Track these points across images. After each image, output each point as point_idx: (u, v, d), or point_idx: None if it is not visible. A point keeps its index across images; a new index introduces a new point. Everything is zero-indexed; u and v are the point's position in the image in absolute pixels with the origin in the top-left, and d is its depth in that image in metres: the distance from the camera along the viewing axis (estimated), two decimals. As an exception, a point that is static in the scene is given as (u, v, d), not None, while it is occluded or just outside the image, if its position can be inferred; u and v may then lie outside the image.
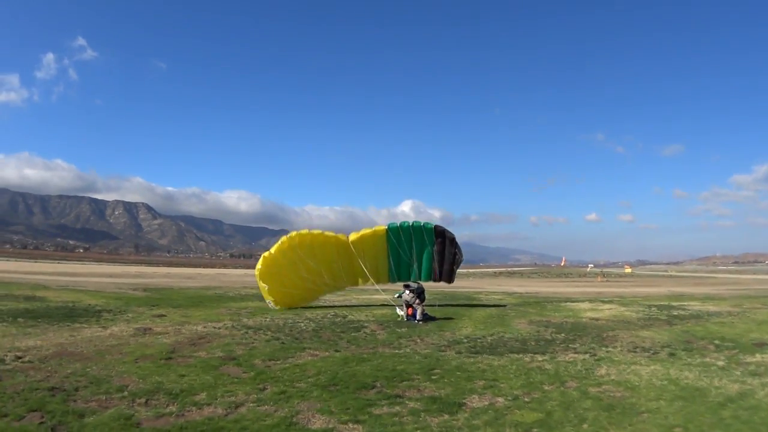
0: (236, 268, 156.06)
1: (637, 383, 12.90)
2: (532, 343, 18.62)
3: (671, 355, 16.68)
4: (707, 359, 16.04)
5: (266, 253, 29.18)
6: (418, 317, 24.39)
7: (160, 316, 23.62)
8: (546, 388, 12.40)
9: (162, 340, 17.22)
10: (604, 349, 17.59)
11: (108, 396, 10.93)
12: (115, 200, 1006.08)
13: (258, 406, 10.60)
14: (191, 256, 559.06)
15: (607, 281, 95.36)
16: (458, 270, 31.84)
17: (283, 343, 17.61)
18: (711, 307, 32.36)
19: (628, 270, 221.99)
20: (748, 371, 14.43)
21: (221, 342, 17.29)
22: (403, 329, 21.77)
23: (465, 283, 78.97)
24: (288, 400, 10.96)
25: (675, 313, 28.86)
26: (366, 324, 22.84)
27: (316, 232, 30.31)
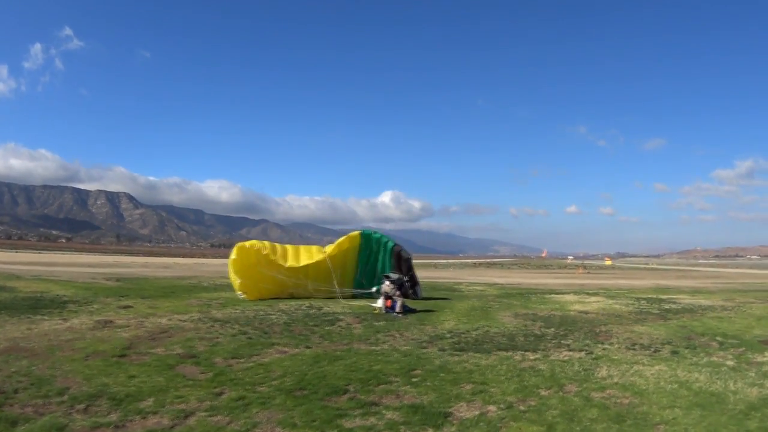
0: (215, 257, 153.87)
1: (644, 387, 11.41)
2: (521, 339, 17.10)
3: (674, 353, 15.29)
4: (714, 358, 14.69)
5: (242, 244, 27.89)
6: (397, 309, 22.87)
7: (126, 307, 22.13)
8: (543, 393, 10.80)
9: (120, 335, 15.70)
10: (600, 346, 16.14)
11: (46, 400, 9.38)
12: (98, 190, 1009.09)
13: (210, 416, 8.91)
14: (172, 245, 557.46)
15: (588, 273, 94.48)
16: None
17: (249, 338, 16.00)
18: (702, 301, 31.51)
19: (608, 262, 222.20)
20: (762, 372, 13.06)
21: (183, 336, 15.74)
22: (381, 323, 20.14)
23: (445, 273, 78.13)
24: (246, 409, 9.28)
25: (666, 306, 27.79)
26: (342, 317, 21.26)
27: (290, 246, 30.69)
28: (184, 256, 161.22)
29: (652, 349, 15.74)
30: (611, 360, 14.13)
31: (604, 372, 12.71)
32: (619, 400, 10.42)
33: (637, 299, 31.93)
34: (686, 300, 32.09)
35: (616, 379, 12.04)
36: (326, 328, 18.48)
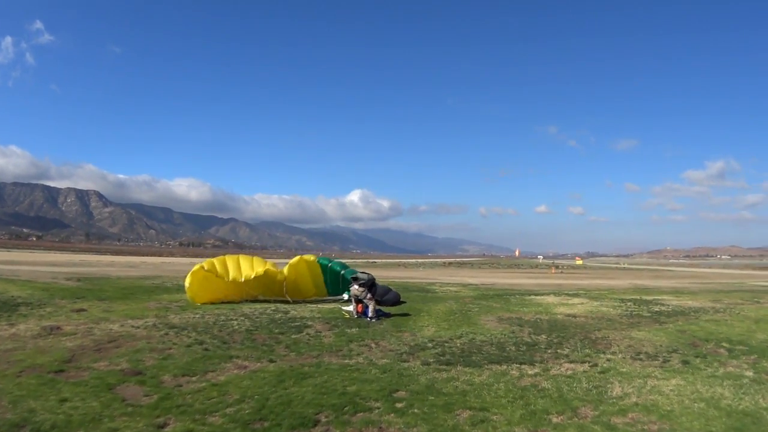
0: (183, 256, 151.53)
1: (668, 408, 9.79)
2: (512, 349, 15.32)
3: (685, 363, 13.73)
4: (730, 369, 13.18)
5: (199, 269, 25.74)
6: (369, 314, 20.96)
7: (80, 310, 20.40)
8: (555, 420, 9.05)
9: (65, 344, 13.94)
10: (602, 356, 14.49)
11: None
12: (68, 188, 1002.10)
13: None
14: (141, 244, 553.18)
15: (561, 273, 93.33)
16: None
17: (206, 349, 14.09)
18: (690, 302, 30.04)
19: (579, 261, 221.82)
20: (788, 384, 11.52)
21: (132, 347, 13.88)
22: (353, 329, 18.19)
23: (416, 273, 76.05)
24: (191, 448, 7.46)
25: (656, 308, 26.21)
26: (310, 322, 19.30)
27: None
28: (151, 255, 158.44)
29: (661, 359, 14.18)
30: (620, 374, 12.47)
31: (617, 389, 11.04)
32: (646, 427, 8.80)
33: (622, 301, 30.42)
34: (673, 301, 30.59)
35: (634, 398, 10.38)
36: (293, 336, 16.58)
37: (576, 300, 30.46)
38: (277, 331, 17.29)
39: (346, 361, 13.28)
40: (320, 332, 17.42)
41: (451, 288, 42.19)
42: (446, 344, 15.88)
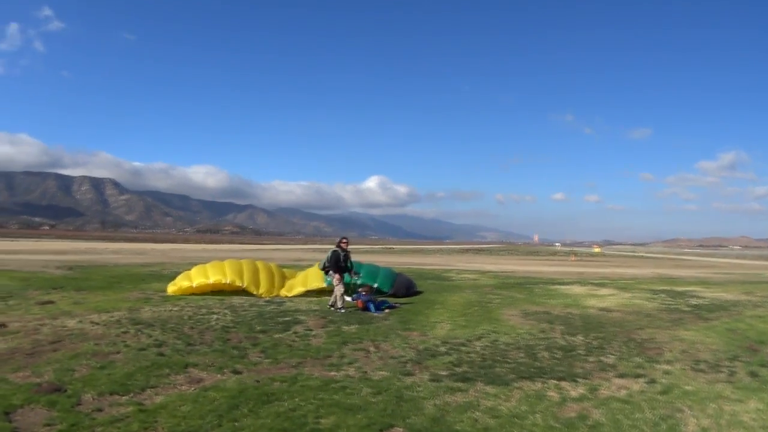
0: (198, 243, 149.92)
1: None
2: (545, 355, 12.32)
3: (753, 376, 10.94)
4: (810, 382, 10.43)
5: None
6: (339, 305, 18.43)
7: (47, 303, 18.34)
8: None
9: (-2, 346, 11.55)
10: (656, 366, 11.57)
11: None
12: (82, 176, 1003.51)
13: None
14: (158, 231, 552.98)
15: (580, 261, 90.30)
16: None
17: (161, 353, 11.43)
18: (723, 294, 27.01)
19: (597, 249, 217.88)
20: None
21: (72, 350, 11.46)
22: (351, 327, 15.30)
23: (432, 259, 73.37)
24: None
25: (693, 302, 23.26)
26: (302, 317, 16.61)
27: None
28: (165, 241, 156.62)
29: (725, 371, 11.34)
30: (687, 394, 9.58)
31: (692, 423, 8.18)
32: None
33: (653, 292, 27.44)
34: (706, 293, 27.55)
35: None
36: (276, 335, 13.83)
37: (605, 291, 27.57)
38: (259, 328, 14.65)
39: (332, 373, 10.34)
40: (310, 330, 14.67)
41: (468, 275, 39.14)
42: (463, 348, 12.98)
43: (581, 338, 14.51)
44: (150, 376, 9.76)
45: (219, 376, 9.93)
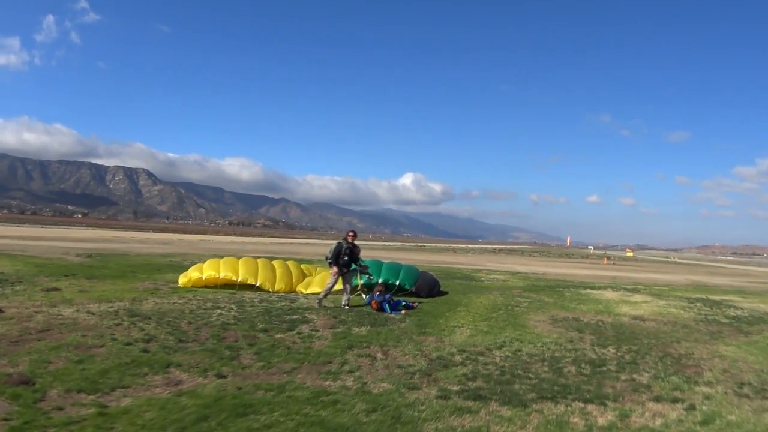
0: (227, 235, 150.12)
1: None
2: (572, 371, 10.93)
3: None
4: None
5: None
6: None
7: (53, 289, 17.80)
8: None
9: (-12, 331, 10.86)
10: (694, 388, 10.19)
11: None
12: (116, 166, 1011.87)
13: None
14: (190, 222, 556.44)
15: (613, 264, 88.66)
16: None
17: (146, 350, 10.45)
18: (762, 306, 25.79)
19: (630, 254, 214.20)
20: None
21: (57, 341, 10.74)
22: (362, 329, 14.02)
23: (464, 259, 72.45)
24: None
25: (731, 313, 21.82)
26: (312, 316, 15.39)
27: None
28: (196, 233, 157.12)
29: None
30: (730, 426, 8.23)
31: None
32: None
33: (689, 300, 25.87)
34: (744, 304, 26.25)
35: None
36: (277, 335, 12.68)
37: (638, 297, 26.07)
38: (261, 326, 13.48)
39: (328, 383, 9.13)
40: (316, 331, 13.46)
41: (498, 276, 38.01)
42: (480, 358, 11.64)
43: (613, 351, 13.14)
44: (126, 374, 8.81)
45: (200, 379, 8.89)
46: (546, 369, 11.01)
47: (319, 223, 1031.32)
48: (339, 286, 18.09)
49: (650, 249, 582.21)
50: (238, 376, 9.23)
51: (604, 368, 11.36)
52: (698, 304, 24.10)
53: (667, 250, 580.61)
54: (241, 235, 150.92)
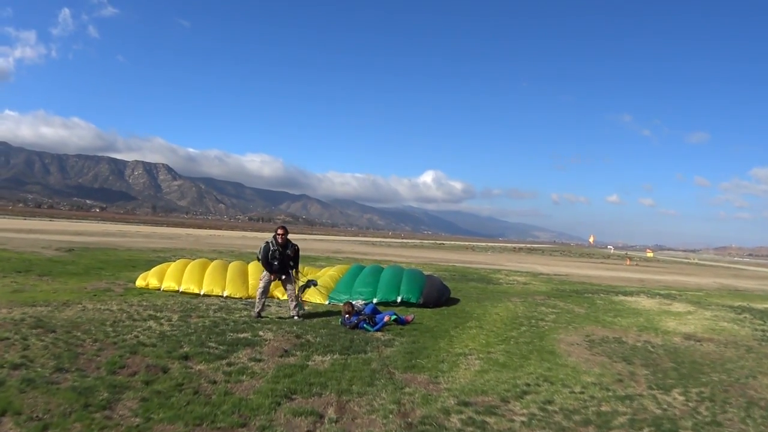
0: (245, 230, 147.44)
1: None
2: None
3: None
4: None
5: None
6: (292, 310, 14.28)
7: None
8: None
9: None
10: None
11: None
12: (135, 160, 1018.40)
13: None
14: (210, 218, 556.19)
15: (636, 265, 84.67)
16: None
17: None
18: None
19: (650, 254, 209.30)
20: None
21: None
22: (326, 358, 9.99)
23: (482, 258, 68.38)
24: None
25: (792, 328, 18.08)
26: (269, 335, 11.62)
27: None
28: (212, 228, 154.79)
29: None
30: None
31: None
32: None
33: (735, 311, 22.38)
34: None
35: None
36: (198, 366, 8.95)
37: (678, 306, 22.76)
38: (185, 350, 9.81)
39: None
40: (257, 361, 9.60)
41: (518, 278, 34.14)
42: (490, 420, 7.50)
43: (680, 397, 9.17)
44: None
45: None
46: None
47: (340, 219, 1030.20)
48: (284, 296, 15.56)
49: (669, 249, 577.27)
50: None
51: (675, 435, 7.38)
52: (747, 315, 20.99)
53: (685, 250, 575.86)
54: (258, 231, 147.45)
